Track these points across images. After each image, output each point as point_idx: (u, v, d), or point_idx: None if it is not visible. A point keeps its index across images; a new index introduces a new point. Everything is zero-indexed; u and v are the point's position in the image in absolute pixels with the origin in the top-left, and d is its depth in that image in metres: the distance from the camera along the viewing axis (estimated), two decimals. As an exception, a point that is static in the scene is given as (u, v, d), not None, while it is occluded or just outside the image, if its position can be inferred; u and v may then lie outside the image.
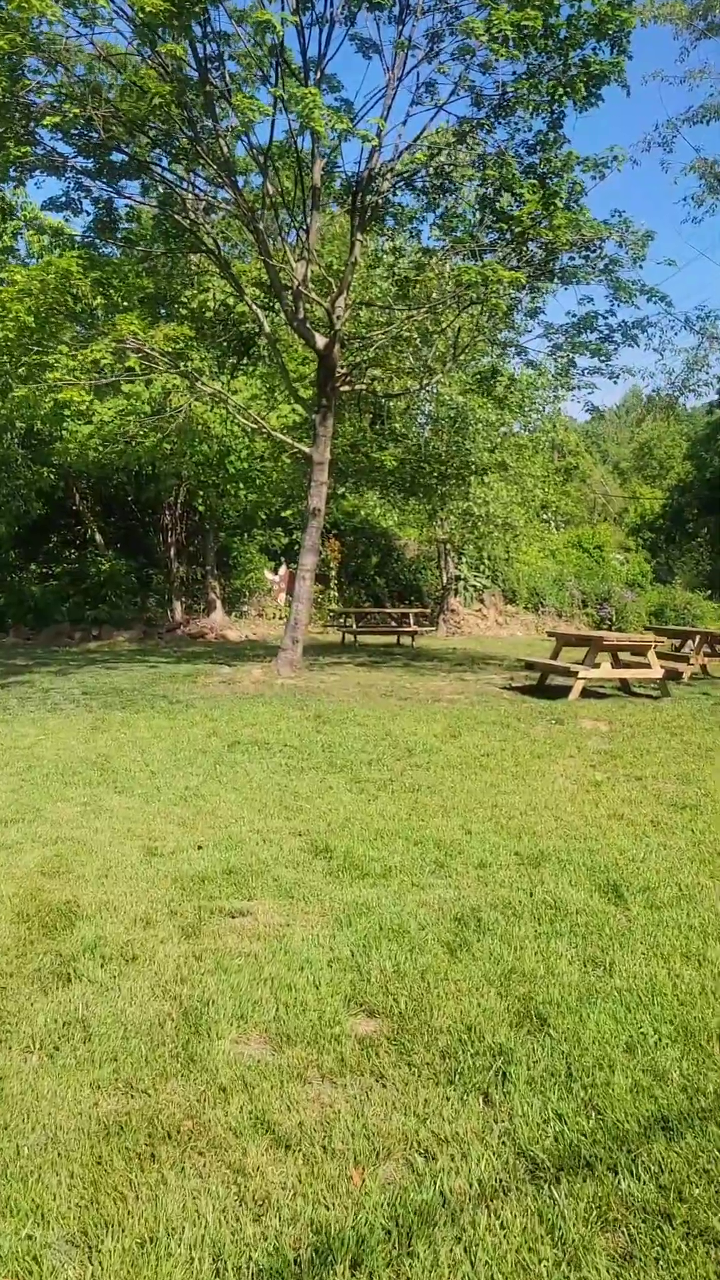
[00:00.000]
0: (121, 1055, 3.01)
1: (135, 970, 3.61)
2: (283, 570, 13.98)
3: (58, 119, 10.09)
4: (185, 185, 13.42)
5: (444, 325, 14.06)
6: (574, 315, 13.39)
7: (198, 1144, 2.59)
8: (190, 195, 12.73)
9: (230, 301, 18.30)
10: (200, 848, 5.25)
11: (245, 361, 19.27)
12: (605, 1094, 2.84)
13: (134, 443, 17.52)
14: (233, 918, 4.21)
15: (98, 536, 21.70)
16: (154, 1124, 2.67)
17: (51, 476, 19.48)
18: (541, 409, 21.96)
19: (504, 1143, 2.61)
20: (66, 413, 17.68)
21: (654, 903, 4.51)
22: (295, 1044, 3.10)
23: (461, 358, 16.75)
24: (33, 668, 14.90)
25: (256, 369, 18.23)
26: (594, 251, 12.13)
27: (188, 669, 14.26)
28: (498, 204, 12.62)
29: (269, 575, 15.64)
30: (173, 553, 21.96)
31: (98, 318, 11.64)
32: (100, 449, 17.79)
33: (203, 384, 13.18)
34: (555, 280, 13.67)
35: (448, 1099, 2.82)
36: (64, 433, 17.98)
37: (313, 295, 11.97)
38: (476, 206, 12.87)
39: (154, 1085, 2.86)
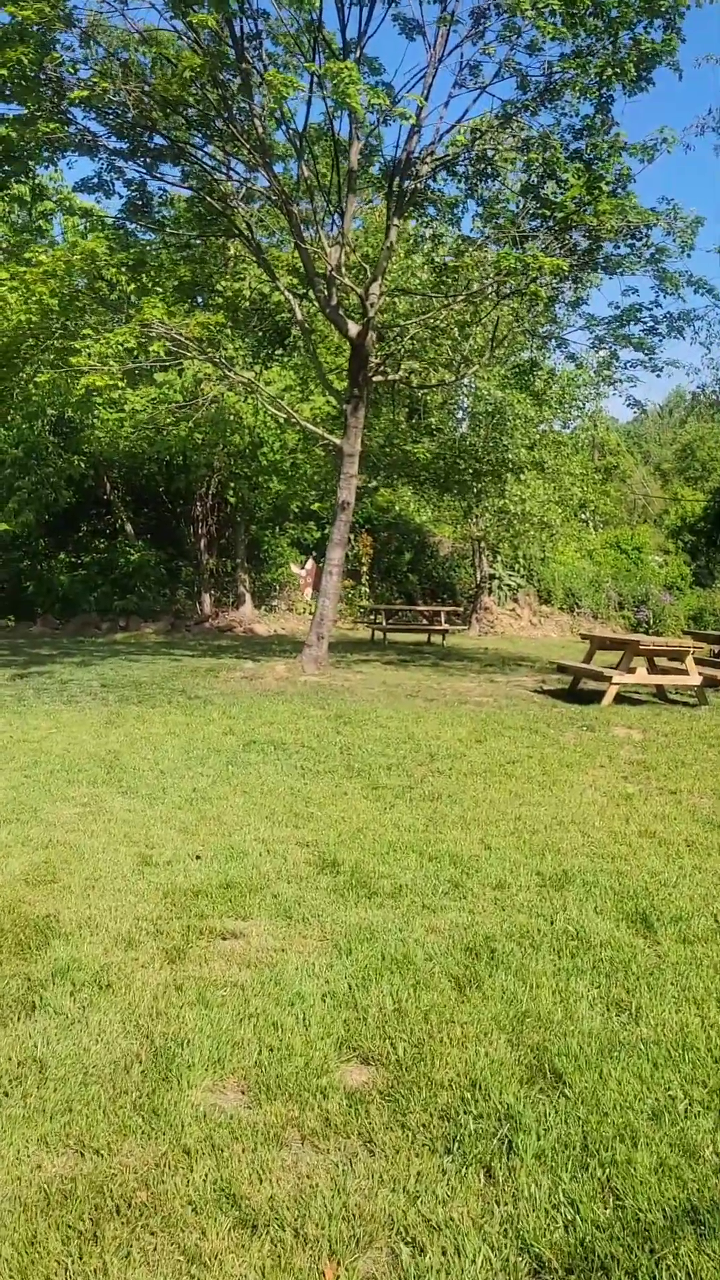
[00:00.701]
0: (78, 1105, 2.67)
1: (108, 1001, 3.27)
2: (309, 564, 13.62)
3: (87, 93, 9.79)
4: (222, 170, 13.12)
5: (483, 316, 13.64)
6: (617, 306, 12.92)
7: (150, 1221, 2.24)
8: (225, 180, 12.41)
9: (265, 290, 18.00)
10: (198, 858, 4.92)
11: (280, 352, 18.95)
12: (626, 1174, 2.46)
13: (165, 431, 17.28)
14: (223, 939, 3.87)
15: (128, 527, 21.50)
16: (103, 1194, 2.32)
17: (82, 465, 19.27)
18: (582, 406, 21.47)
19: (505, 1233, 2.24)
20: (98, 400, 17.52)
21: (687, 936, 4.11)
22: (275, 1097, 2.75)
23: (500, 351, 16.33)
24: (56, 658, 14.69)
25: (291, 359, 17.90)
26: (640, 240, 11.65)
27: (211, 663, 13.97)
28: (541, 191, 12.18)
29: (295, 569, 15.29)
30: (203, 544, 21.70)
31: (130, 302, 11.36)
32: (131, 437, 17.58)
33: (235, 373, 12.87)
34: (599, 270, 13.20)
35: (444, 1173, 2.45)
36: (95, 420, 17.80)
37: (347, 281, 11.59)
38: (519, 193, 12.42)
39: (110, 1144, 2.51)
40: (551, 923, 4.20)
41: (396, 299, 14.66)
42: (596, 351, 14.11)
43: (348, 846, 5.27)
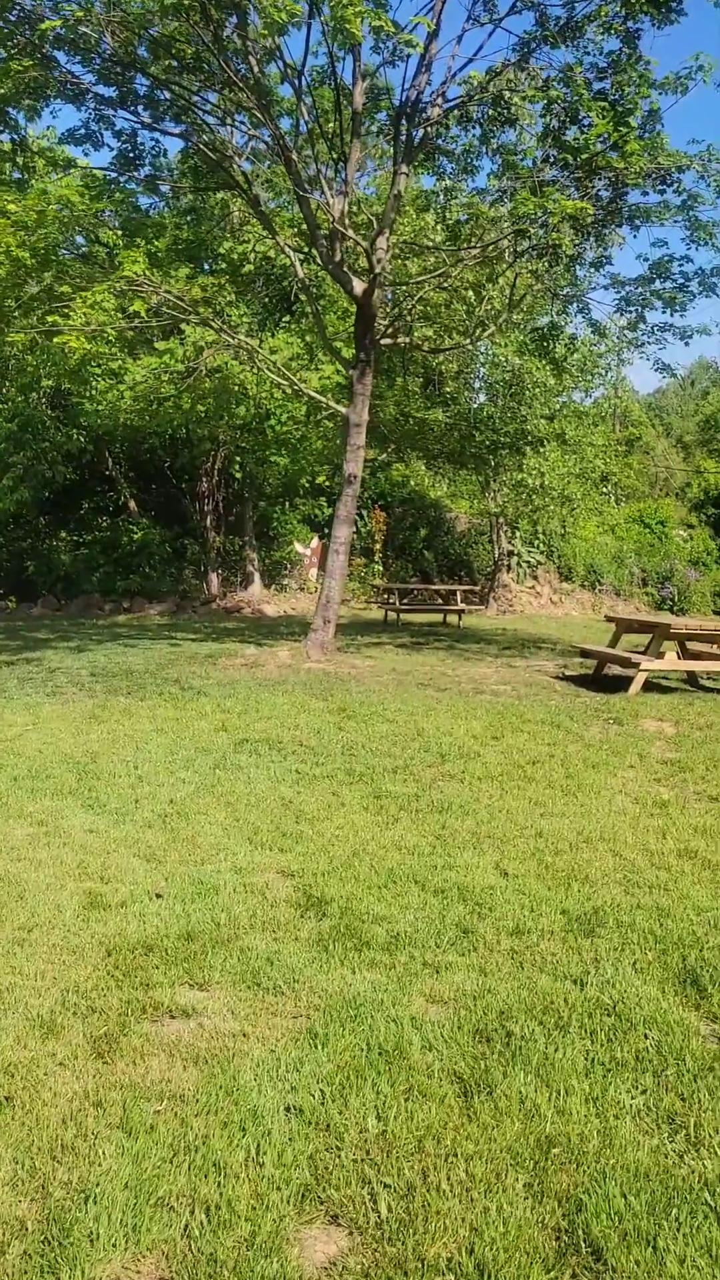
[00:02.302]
0: None
1: (0, 1126, 2.50)
2: (314, 542, 12.77)
3: (60, 23, 8.90)
4: (217, 117, 12.21)
5: (498, 275, 12.69)
6: (646, 259, 11.93)
7: None
8: (220, 125, 11.49)
9: (271, 254, 17.08)
10: (159, 896, 4.15)
11: (287, 319, 18.04)
12: None
13: (164, 403, 16.46)
14: (171, 1018, 3.10)
15: (131, 504, 20.69)
16: None
17: (81, 440, 18.45)
18: (604, 373, 20.48)
19: None
20: (95, 370, 16.67)
21: (750, 1006, 3.31)
22: (204, 1294, 1.98)
23: (518, 316, 15.37)
24: (52, 642, 13.97)
25: (298, 327, 17.02)
26: (670, 185, 10.66)
27: (212, 648, 13.21)
28: (562, 136, 11.20)
29: (299, 548, 14.45)
30: (209, 522, 20.87)
31: (112, 259, 10.51)
32: (132, 409, 16.75)
33: (234, 337, 12.01)
34: (624, 225, 12.21)
35: None
36: (92, 392, 16.97)
37: (350, 233, 10.67)
38: (539, 139, 11.44)
39: None
40: (582, 988, 3.41)
41: (408, 260, 13.74)
42: (621, 315, 13.13)
43: (339, 877, 4.49)
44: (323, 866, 4.65)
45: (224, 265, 17.97)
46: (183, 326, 15.02)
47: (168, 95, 11.32)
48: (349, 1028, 3.02)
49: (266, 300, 18.71)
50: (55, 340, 9.84)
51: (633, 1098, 2.72)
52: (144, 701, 9.06)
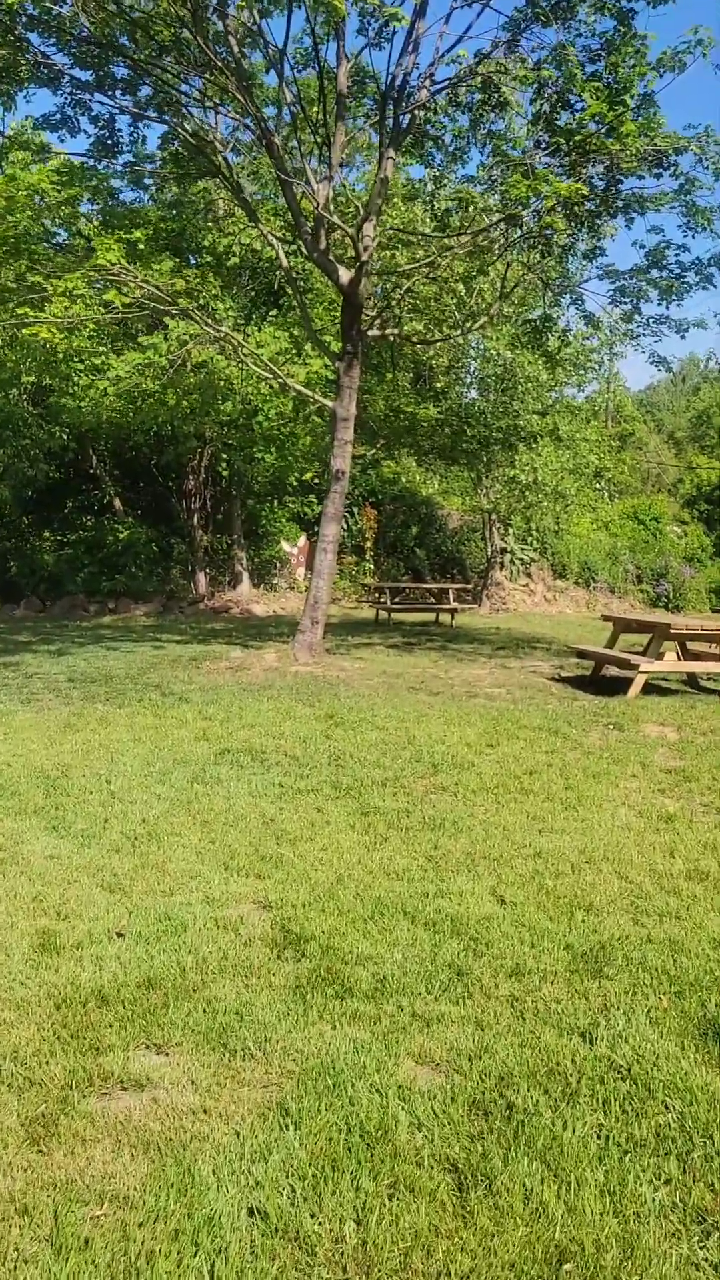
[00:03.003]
0: None
1: None
2: (302, 541, 12.35)
3: (28, -1, 8.49)
4: (198, 104, 11.78)
5: (488, 265, 12.28)
6: (643, 245, 11.52)
7: None
8: (199, 105, 11.05)
9: (256, 246, 16.65)
10: (120, 935, 3.76)
11: (274, 313, 17.62)
12: None
13: (149, 399, 16.04)
14: (123, 1091, 2.70)
15: (116, 502, 20.23)
16: None
17: (64, 437, 17.98)
18: (598, 367, 20.11)
19: None
20: (78, 366, 16.25)
21: (781, 1063, 2.93)
22: None
23: (509, 308, 14.98)
24: (32, 645, 13.54)
25: (285, 320, 16.60)
26: (667, 169, 10.26)
27: (198, 650, 12.80)
28: (554, 120, 10.80)
29: (286, 547, 14.03)
30: (196, 520, 20.42)
31: (88, 246, 10.08)
32: (115, 406, 16.33)
33: (217, 329, 11.58)
34: (618, 214, 11.82)
35: None
36: (74, 388, 16.54)
37: (334, 219, 10.24)
38: (531, 122, 11.04)
39: None
40: (591, 1044, 3.02)
41: (396, 250, 13.33)
42: (616, 306, 12.73)
43: (321, 909, 4.10)
44: (303, 896, 4.26)
45: (209, 259, 17.56)
46: (166, 321, 14.62)
47: (147, 80, 10.90)
48: (326, 1101, 2.63)
49: (254, 294, 18.30)
50: (25, 331, 9.42)
51: (655, 1190, 2.33)
52: (122, 709, 8.65)
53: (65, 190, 9.26)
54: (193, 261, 17.60)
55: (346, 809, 5.76)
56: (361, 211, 10.60)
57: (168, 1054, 2.89)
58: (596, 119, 9.43)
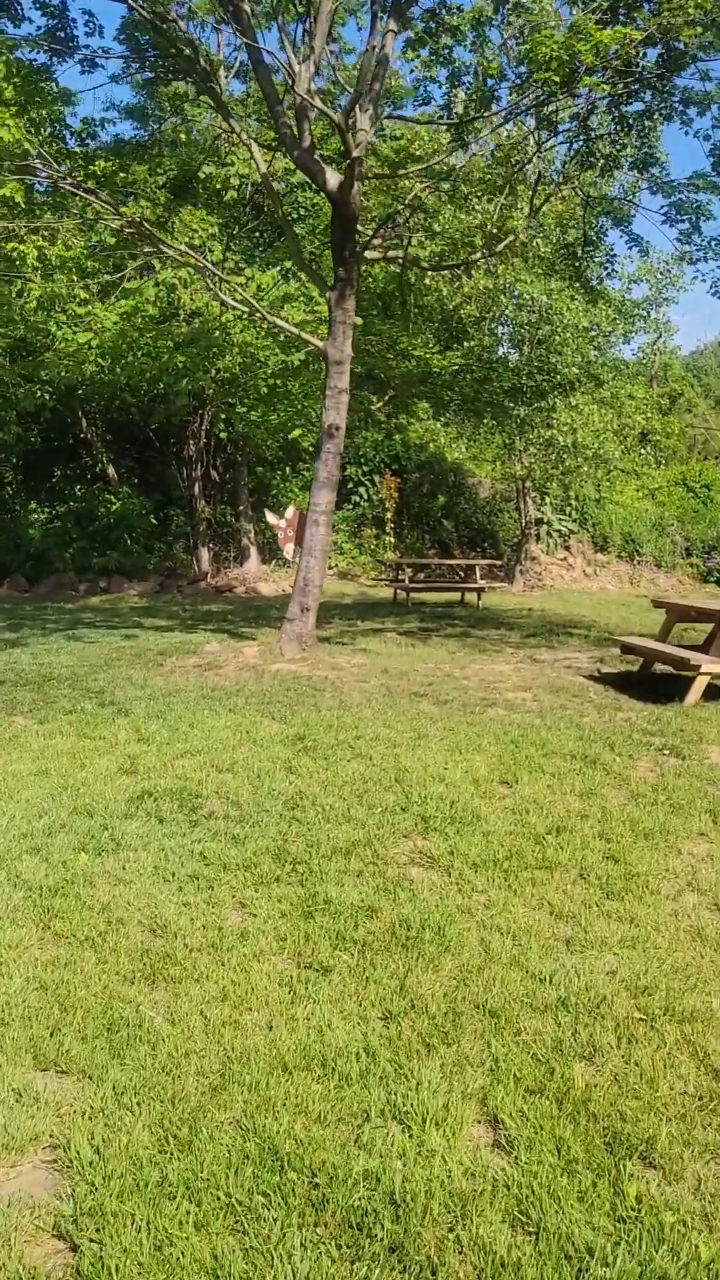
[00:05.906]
0: None
1: None
2: (290, 511, 10.48)
3: None
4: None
5: (516, 177, 10.17)
6: (708, 137, 9.35)
7: None
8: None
9: (256, 179, 14.67)
10: None
11: (274, 248, 15.65)
12: None
13: (137, 352, 14.26)
14: None
15: (109, 470, 18.40)
16: None
17: (45, 397, 16.14)
18: (646, 314, 17.88)
19: None
20: (60, 317, 14.50)
21: None
22: None
23: (542, 239, 12.87)
24: (-8, 633, 11.81)
25: (275, 255, 14.66)
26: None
27: (176, 640, 10.98)
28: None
29: (272, 518, 12.12)
30: (198, 490, 18.53)
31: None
32: (102, 361, 14.55)
33: (201, 259, 9.65)
34: (675, 114, 9.70)
35: None
36: (54, 341, 14.75)
37: (317, 103, 8.18)
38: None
39: None
40: None
41: (404, 165, 11.26)
42: (672, 225, 10.59)
43: (161, 1172, 2.24)
44: (139, 1136, 2.40)
45: (203, 194, 15.64)
46: (154, 262, 12.76)
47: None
48: None
49: (255, 233, 16.32)
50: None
51: None
52: (44, 724, 6.85)
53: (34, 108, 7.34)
54: (197, 205, 15.76)
55: (282, 906, 3.91)
56: (352, 93, 8.53)
57: None
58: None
